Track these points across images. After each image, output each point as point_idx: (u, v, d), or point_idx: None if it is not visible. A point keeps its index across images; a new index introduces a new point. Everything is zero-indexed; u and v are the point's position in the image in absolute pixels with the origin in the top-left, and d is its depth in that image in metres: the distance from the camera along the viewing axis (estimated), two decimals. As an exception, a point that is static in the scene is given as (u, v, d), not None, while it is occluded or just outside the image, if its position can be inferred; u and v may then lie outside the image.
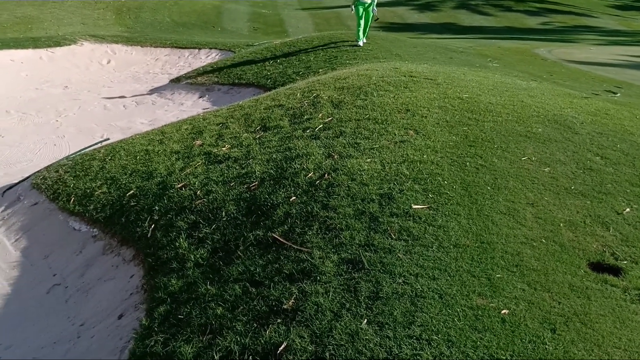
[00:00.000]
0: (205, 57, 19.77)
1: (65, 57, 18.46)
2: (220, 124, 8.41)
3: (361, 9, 14.68)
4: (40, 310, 6.12)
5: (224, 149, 7.38)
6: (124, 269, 6.20)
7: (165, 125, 9.33)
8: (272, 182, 6.13)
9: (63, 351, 5.26)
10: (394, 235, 4.81)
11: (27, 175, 9.13)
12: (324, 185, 5.69)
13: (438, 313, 3.91)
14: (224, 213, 5.86)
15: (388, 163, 5.93)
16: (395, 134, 6.64)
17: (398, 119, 7.03)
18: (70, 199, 7.56)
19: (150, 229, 6.24)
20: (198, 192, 6.46)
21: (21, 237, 7.48)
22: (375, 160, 6.02)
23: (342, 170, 5.89)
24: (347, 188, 5.55)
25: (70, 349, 5.28)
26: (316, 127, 7.22)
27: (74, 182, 7.90)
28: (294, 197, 5.66)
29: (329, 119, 7.42)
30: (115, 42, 20.11)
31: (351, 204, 5.29)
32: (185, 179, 6.81)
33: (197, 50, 20.24)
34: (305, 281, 4.40)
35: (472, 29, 29.94)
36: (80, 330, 5.51)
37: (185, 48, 20.37)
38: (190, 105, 14.49)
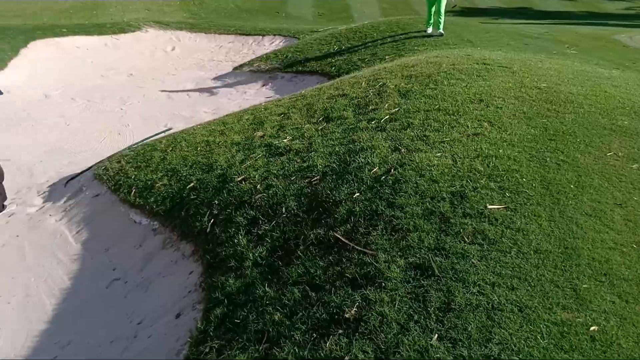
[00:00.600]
0: (269, 44, 19.65)
1: (130, 44, 18.71)
2: (281, 114, 8.18)
3: None
4: (99, 306, 6.07)
5: (285, 140, 7.15)
6: (183, 264, 6.08)
7: (226, 115, 9.19)
8: (334, 176, 5.85)
9: (120, 350, 5.17)
10: (467, 238, 4.45)
11: (90, 164, 9.19)
12: (390, 182, 5.37)
13: (518, 329, 3.55)
14: (284, 209, 5.64)
15: (460, 158, 5.54)
16: (467, 127, 6.23)
17: (471, 110, 6.61)
18: (132, 191, 7.51)
19: (210, 223, 6.09)
20: (258, 185, 6.26)
21: (82, 229, 7.49)
22: (446, 154, 5.65)
23: (409, 166, 5.55)
24: (415, 185, 5.22)
25: (127, 348, 5.19)
26: (382, 119, 6.90)
27: (135, 173, 7.85)
28: (357, 194, 5.37)
29: (396, 109, 7.08)
30: (179, 28, 20.25)
31: (419, 203, 4.95)
32: (246, 172, 6.63)
33: (261, 37, 20.14)
34: (369, 287, 4.11)
35: (547, 14, 28.76)
36: (138, 329, 5.41)
37: (249, 35, 20.30)
38: (253, 94, 14.39)
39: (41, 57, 15.90)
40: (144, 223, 7.04)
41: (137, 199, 7.33)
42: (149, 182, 7.48)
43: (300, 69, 14.67)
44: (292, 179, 6.14)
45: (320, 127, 7.26)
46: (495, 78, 7.61)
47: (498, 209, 4.78)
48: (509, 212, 4.74)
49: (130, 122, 12.55)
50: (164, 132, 9.98)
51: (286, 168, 6.42)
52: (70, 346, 5.37)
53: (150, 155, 8.22)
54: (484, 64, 8.33)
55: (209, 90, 15.06)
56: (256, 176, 6.47)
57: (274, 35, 20.16)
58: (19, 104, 13.24)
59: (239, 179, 6.55)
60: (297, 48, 16.10)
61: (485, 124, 6.24)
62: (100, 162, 8.89)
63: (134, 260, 6.59)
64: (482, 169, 5.35)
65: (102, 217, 7.58)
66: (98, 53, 17.58)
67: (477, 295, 3.86)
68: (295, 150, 6.78)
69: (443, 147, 5.82)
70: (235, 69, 16.11)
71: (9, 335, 5.76)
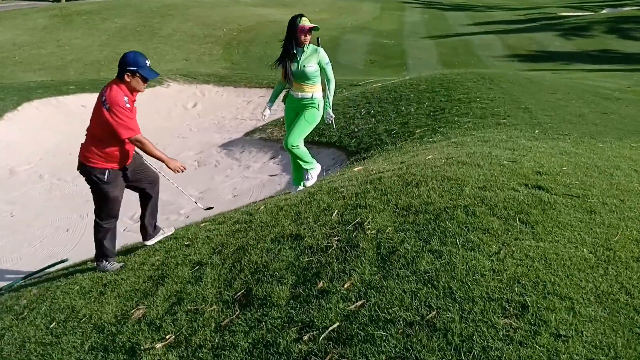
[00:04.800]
0: (303, 99, 16.33)
1: (147, 101, 15.71)
2: (197, 264, 4.68)
3: (292, 113, 6.45)
4: None
5: (158, 346, 3.64)
6: None
7: (137, 252, 5.75)
8: None
9: None
10: None
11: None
12: None
13: None
14: None
15: None
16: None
17: (500, 331, 2.87)
18: None
19: None
20: None
21: None
22: None
23: None
24: None
25: None
26: (326, 329, 3.25)
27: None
28: None
29: (358, 303, 3.41)
30: (206, 82, 17.26)
31: None
32: None
33: (294, 91, 16.86)
34: None
35: (628, 58, 23.99)
36: None
37: (282, 88, 17.07)
38: (256, 170, 11.00)
39: (29, 122, 13.13)
40: None
41: None
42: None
43: (317, 138, 11.18)
44: None
45: (226, 321, 3.69)
46: (557, 232, 3.78)
47: None
48: None
49: (92, 211, 9.40)
50: (61, 262, 6.67)
51: None
52: None
53: (2, 319, 4.92)
54: (539, 188, 4.49)
55: (209, 162, 11.81)
56: None
57: (310, 88, 16.80)
58: (-25, 183, 10.43)
59: None
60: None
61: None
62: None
63: None
64: None
65: None
66: (106, 112, 14.72)
67: None
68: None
69: None
70: (247, 134, 12.83)
71: None
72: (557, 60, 24.04)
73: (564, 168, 5.02)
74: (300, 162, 6.51)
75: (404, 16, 37.94)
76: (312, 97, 6.25)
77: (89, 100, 14.64)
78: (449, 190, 4.61)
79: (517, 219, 3.95)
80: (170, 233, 5.74)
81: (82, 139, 5.24)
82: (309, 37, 6.04)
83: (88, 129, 5.08)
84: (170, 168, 5.15)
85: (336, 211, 4.81)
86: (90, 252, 7.39)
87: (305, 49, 6.08)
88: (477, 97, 10.41)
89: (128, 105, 4.83)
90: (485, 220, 3.98)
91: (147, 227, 5.55)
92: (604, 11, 38.89)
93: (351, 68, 22.39)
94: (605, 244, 3.63)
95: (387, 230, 4.16)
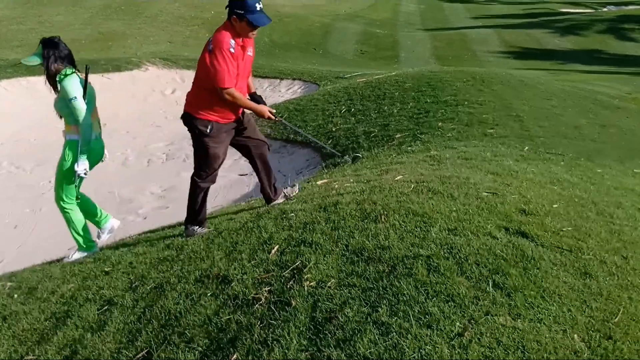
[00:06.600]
0: (286, 90, 15.44)
1: (122, 86, 14.84)
2: (107, 303, 3.79)
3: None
4: None
5: None
6: None
7: (52, 276, 4.84)
8: None
9: None
10: None
11: None
12: None
13: None
14: None
15: None
16: None
17: None
18: None
19: None
20: None
21: None
22: None
23: None
24: None
25: None
26: None
27: None
28: None
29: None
30: (187, 67, 16.25)
31: None
32: None
33: (278, 80, 15.96)
34: None
35: (626, 60, 23.06)
36: None
37: (266, 77, 16.15)
38: (225, 168, 10.00)
39: (-3, 103, 12.16)
40: None
41: None
42: None
43: (292, 137, 10.32)
44: None
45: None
46: (541, 306, 2.85)
47: None
48: None
49: (45, 205, 8.53)
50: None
51: None
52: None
53: None
54: (522, 235, 3.58)
55: (178, 156, 10.89)
56: None
57: (294, 79, 15.96)
58: None
59: None
60: (298, 105, 11.74)
61: None
62: None
63: None
64: None
65: None
66: (77, 96, 13.71)
67: None
68: None
69: None
70: (221, 127, 11.88)
71: None
72: (555, 59, 23.11)
73: (555, 206, 4.13)
74: (68, 229, 5.05)
75: (399, 5, 36.83)
76: (65, 140, 4.85)
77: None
78: (412, 230, 3.72)
79: (491, 282, 3.07)
80: (295, 193, 5.16)
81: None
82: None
83: (195, 77, 4.58)
84: (260, 114, 4.60)
85: (277, 247, 3.91)
86: (36, 253, 6.57)
87: (59, 76, 4.65)
88: (465, 100, 9.51)
89: (232, 50, 4.21)
90: (450, 281, 3.09)
91: (265, 189, 5.01)
92: (605, 9, 37.85)
93: (340, 58, 21.39)
94: (603, 327, 2.75)
95: (329, 284, 3.27)
